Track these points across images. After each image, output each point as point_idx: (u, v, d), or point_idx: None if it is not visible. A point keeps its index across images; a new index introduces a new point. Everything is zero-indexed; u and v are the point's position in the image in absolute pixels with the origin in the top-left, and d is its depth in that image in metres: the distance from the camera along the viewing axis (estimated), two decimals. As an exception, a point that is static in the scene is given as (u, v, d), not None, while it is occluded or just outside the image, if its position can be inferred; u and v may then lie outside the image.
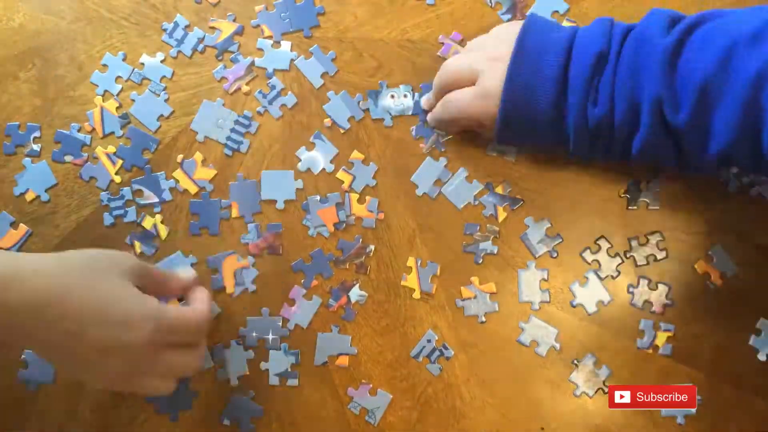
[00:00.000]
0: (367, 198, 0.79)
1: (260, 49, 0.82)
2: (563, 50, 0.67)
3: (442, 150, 0.80)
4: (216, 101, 0.81)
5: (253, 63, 0.81)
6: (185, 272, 0.74)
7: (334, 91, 0.81)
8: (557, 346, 0.77)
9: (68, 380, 0.77)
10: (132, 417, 0.77)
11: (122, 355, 0.60)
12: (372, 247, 0.79)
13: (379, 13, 0.81)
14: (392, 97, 0.81)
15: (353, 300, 0.78)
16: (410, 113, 0.81)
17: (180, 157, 0.80)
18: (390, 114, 0.81)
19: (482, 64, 0.71)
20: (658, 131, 0.64)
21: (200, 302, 0.71)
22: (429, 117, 0.79)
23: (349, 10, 0.82)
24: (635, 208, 0.78)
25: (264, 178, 0.80)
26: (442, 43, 0.81)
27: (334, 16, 0.82)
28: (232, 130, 0.80)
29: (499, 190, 0.79)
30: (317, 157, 0.80)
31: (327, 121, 0.81)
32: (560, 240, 0.78)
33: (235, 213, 0.79)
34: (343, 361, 0.78)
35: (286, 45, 0.82)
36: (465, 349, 0.77)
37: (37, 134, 0.80)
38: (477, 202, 0.79)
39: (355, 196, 0.80)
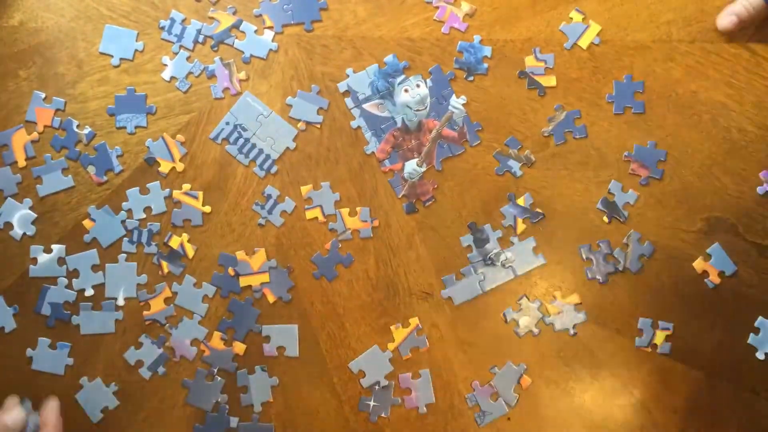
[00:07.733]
0: (358, 209, 0.80)
1: (242, 32, 0.81)
2: None
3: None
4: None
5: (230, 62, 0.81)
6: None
7: (331, 90, 0.81)
8: (556, 345, 0.77)
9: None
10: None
11: None
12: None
13: (379, 11, 0.81)
14: (406, 91, 0.80)
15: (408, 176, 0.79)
16: (429, 100, 0.80)
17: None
18: (411, 108, 0.80)
19: None
20: None
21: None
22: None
23: (349, 8, 0.81)
24: (619, 219, 0.78)
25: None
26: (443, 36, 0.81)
27: (334, 14, 0.82)
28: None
29: (521, 201, 0.79)
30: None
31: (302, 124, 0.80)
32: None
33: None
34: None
35: (268, 34, 0.81)
36: (463, 348, 0.78)
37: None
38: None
39: (346, 210, 0.79)
